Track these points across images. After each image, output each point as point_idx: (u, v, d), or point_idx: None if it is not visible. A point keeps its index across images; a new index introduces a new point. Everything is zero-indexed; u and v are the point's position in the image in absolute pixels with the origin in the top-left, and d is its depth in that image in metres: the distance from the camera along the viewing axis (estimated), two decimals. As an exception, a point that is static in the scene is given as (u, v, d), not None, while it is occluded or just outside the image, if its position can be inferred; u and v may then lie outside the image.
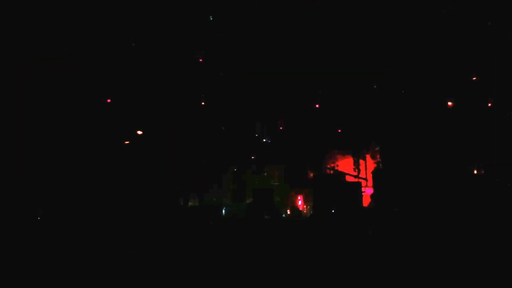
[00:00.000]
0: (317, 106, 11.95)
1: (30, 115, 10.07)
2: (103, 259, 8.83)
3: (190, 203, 11.42)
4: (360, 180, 12.78)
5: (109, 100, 10.91)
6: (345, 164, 12.82)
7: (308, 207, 12.57)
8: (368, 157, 12.77)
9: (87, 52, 10.31)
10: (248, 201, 12.05)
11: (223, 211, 11.61)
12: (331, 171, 12.51)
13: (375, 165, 12.63)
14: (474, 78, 11.57)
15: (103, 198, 10.35)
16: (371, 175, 12.73)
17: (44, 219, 9.81)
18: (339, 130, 12.15)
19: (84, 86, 10.51)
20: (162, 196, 10.69)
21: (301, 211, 12.61)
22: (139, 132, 10.96)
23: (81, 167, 10.53)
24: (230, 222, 10.57)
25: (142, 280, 8.29)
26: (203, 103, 11.44)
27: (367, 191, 12.73)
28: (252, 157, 12.05)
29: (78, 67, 10.39)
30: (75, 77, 10.44)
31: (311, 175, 12.36)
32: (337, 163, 12.65)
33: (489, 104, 11.55)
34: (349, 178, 12.72)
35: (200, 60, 11.32)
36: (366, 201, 12.58)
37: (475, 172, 11.87)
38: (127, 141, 11.01)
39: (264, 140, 11.95)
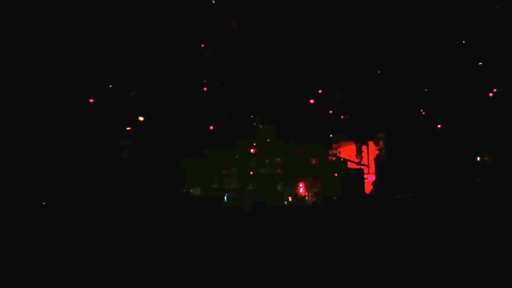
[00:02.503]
0: (320, 91, 11.83)
1: (29, 110, 9.92)
2: (104, 251, 8.79)
3: (191, 191, 11.37)
4: (363, 167, 12.74)
5: (111, 86, 10.76)
6: (347, 151, 12.76)
7: (310, 194, 12.55)
8: (370, 144, 12.71)
9: (87, 42, 10.14)
10: (249, 188, 12.03)
11: (225, 198, 11.58)
12: (334, 158, 12.46)
13: (377, 152, 12.58)
14: (480, 63, 11.48)
15: (102, 191, 10.27)
16: (373, 162, 12.71)
17: (46, 213, 9.73)
18: (342, 117, 12.06)
19: (84, 76, 10.36)
20: (163, 185, 10.62)
21: (303, 197, 12.58)
22: (141, 118, 10.84)
23: (80, 155, 10.43)
24: (234, 213, 10.50)
25: (144, 275, 8.26)
26: (205, 89, 11.29)
27: (369, 178, 12.71)
28: (254, 144, 11.96)
29: (78, 59, 10.23)
30: (74, 68, 10.27)
31: (314, 162, 12.32)
32: (339, 149, 12.59)
33: (494, 90, 11.46)
34: (351, 165, 12.69)
35: (202, 45, 11.15)
36: (368, 188, 12.58)
37: (478, 159, 11.83)
38: (128, 127, 10.89)
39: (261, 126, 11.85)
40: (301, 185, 12.52)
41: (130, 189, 10.22)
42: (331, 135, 12.12)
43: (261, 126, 11.87)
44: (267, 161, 12.07)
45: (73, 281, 7.81)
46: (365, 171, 12.74)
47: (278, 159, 12.10)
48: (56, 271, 7.97)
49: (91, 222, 9.39)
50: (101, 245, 8.73)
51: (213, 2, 10.99)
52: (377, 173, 12.44)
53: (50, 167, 9.93)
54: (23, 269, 7.96)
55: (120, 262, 8.24)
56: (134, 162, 10.54)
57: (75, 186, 10.03)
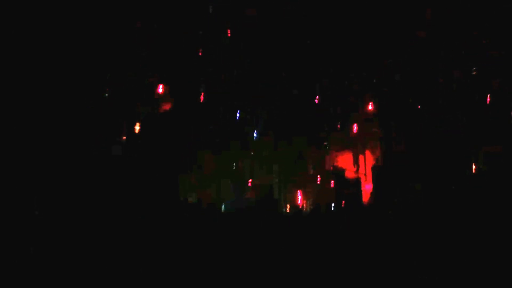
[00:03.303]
0: (316, 101, 11.84)
1: (27, 112, 9.89)
2: (101, 255, 8.76)
3: (189, 199, 11.31)
4: (359, 175, 12.72)
5: (105, 94, 10.75)
6: (344, 159, 12.75)
7: (307, 203, 12.50)
8: (367, 152, 12.70)
9: (83, 47, 10.14)
10: (246, 196, 11.99)
11: (223, 207, 11.51)
12: (331, 167, 12.45)
13: (374, 161, 12.57)
14: (474, 72, 11.51)
15: (100, 194, 10.23)
16: (370, 170, 12.69)
17: (41, 215, 9.67)
18: (338, 126, 12.06)
19: (80, 82, 10.35)
20: (160, 193, 10.59)
21: (300, 207, 12.54)
22: (137, 128, 10.83)
23: (77, 161, 10.39)
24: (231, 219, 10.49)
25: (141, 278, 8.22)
26: (201, 98, 11.29)
27: (366, 186, 12.69)
28: (252, 152, 11.94)
29: (75, 63, 10.23)
30: (71, 72, 10.27)
31: (311, 171, 12.31)
32: (336, 158, 12.58)
33: (489, 98, 11.49)
34: (348, 174, 12.66)
35: (199, 54, 11.17)
36: (365, 197, 12.55)
37: (474, 168, 11.83)
38: (124, 136, 10.87)
39: (255, 134, 11.83)
40: (298, 193, 12.49)
41: (129, 189, 10.19)
42: (326, 143, 12.12)
43: (256, 135, 11.85)
44: (264, 168, 12.05)
45: (74, 281, 7.79)
46: (362, 179, 12.72)
47: (275, 167, 12.09)
48: (56, 272, 7.95)
49: (91, 222, 9.38)
50: (101, 246, 8.71)
51: (210, 11, 11.04)
52: (374, 179, 12.42)
53: (49, 169, 9.89)
54: (22, 270, 7.93)
55: (121, 263, 8.22)
56: (134, 163, 10.52)
57: (76, 185, 9.99)
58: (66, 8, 9.82)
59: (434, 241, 9.35)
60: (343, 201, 12.07)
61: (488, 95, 11.23)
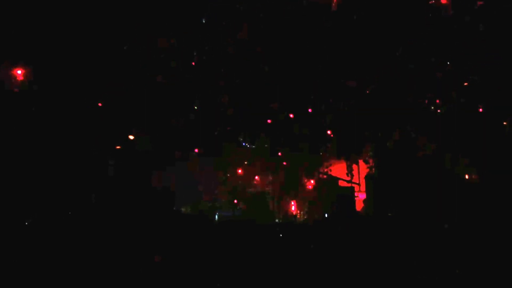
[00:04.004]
0: (309, 110, 11.85)
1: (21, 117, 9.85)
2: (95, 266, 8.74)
3: (182, 209, 11.33)
4: (353, 185, 12.78)
5: (100, 104, 10.73)
6: (338, 169, 12.80)
7: (302, 212, 12.55)
8: (361, 162, 12.75)
9: (78, 54, 10.11)
10: (239, 208, 12.04)
11: (216, 217, 11.55)
12: (325, 176, 12.50)
13: (368, 170, 12.61)
14: (465, 84, 11.54)
15: (95, 202, 10.24)
16: (364, 180, 12.75)
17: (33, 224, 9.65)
18: (332, 135, 12.07)
19: (76, 88, 10.31)
20: (155, 202, 10.59)
21: (294, 216, 12.59)
22: (131, 137, 10.83)
23: (71, 170, 10.38)
24: (225, 227, 10.50)
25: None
26: (196, 108, 11.29)
27: (360, 196, 12.76)
28: (245, 162, 11.96)
29: (70, 68, 10.19)
30: (66, 79, 10.23)
31: (305, 181, 12.35)
32: (330, 168, 12.63)
33: (480, 110, 11.51)
34: (342, 183, 12.72)
35: (193, 63, 11.17)
36: (359, 206, 12.61)
37: (467, 177, 11.87)
38: (118, 146, 10.87)
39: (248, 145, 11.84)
40: (292, 203, 12.54)
41: (129, 193, 10.19)
42: (321, 153, 12.14)
43: (250, 145, 11.88)
44: (257, 178, 12.08)
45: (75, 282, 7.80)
46: (356, 189, 12.78)
47: (270, 178, 12.13)
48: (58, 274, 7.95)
49: (92, 224, 9.38)
50: (102, 248, 8.72)
51: (203, 21, 11.03)
52: (367, 190, 12.47)
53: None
54: (25, 272, 7.93)
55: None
56: (131, 168, 10.52)
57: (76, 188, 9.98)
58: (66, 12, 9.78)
59: (432, 245, 9.38)
60: (337, 210, 12.11)
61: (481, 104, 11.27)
